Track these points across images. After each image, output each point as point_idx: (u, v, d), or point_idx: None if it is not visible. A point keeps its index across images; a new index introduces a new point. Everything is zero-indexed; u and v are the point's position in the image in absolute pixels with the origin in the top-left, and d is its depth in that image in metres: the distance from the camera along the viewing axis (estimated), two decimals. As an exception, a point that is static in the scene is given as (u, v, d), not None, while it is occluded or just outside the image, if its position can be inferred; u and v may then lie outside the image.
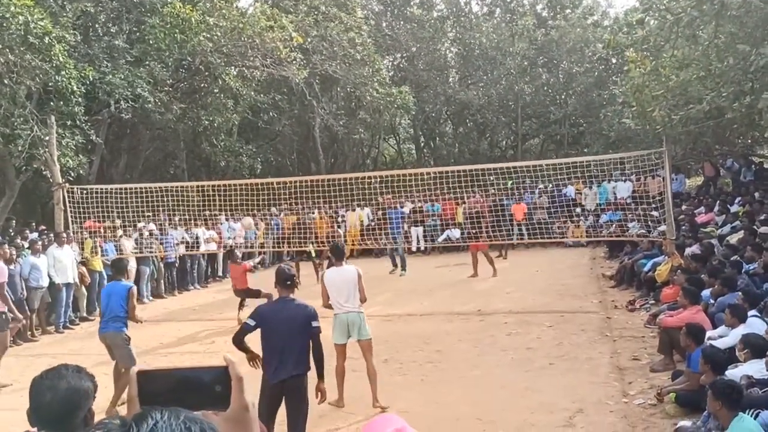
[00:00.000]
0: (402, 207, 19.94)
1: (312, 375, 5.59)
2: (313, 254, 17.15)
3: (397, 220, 18.05)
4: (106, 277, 14.58)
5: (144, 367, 1.22)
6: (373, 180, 19.54)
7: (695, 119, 13.56)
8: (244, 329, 5.51)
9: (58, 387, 2.36)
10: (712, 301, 8.77)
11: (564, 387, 7.59)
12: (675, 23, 11.96)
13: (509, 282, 14.94)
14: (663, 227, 13.23)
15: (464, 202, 19.28)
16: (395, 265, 17.32)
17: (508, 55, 31.17)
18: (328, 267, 7.78)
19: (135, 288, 8.03)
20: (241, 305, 11.88)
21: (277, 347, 5.37)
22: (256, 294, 11.45)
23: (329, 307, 7.33)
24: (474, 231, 15.95)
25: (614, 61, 29.60)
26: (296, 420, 5.39)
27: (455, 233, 19.48)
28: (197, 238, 17.46)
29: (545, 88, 32.69)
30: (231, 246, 13.84)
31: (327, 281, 7.34)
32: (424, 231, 20.18)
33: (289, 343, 5.37)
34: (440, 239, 19.64)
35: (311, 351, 5.50)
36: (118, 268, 8.26)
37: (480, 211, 16.87)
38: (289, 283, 5.64)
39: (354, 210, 20.08)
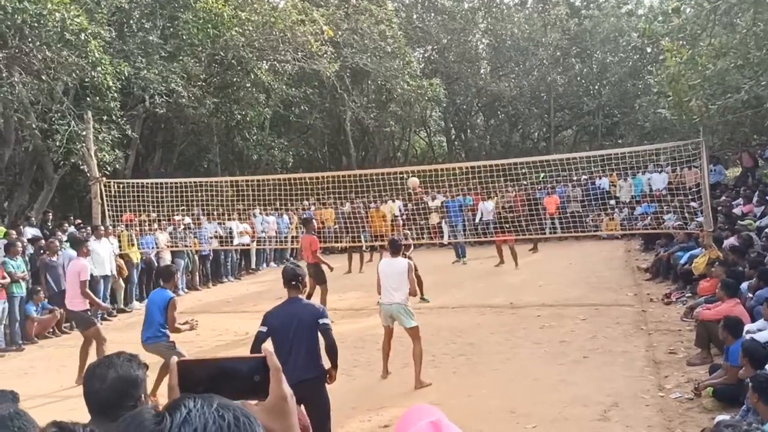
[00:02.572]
0: (434, 199, 19.98)
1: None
2: (364, 247, 17.43)
3: (455, 211, 18.22)
4: (141, 269, 14.92)
5: (183, 358, 1.24)
6: (406, 175, 19.52)
7: (733, 109, 13.28)
8: (259, 338, 5.30)
9: (107, 375, 2.41)
10: (750, 295, 8.60)
11: (598, 380, 7.52)
12: (712, 11, 11.71)
13: (542, 275, 14.82)
14: (700, 219, 13.00)
15: (496, 196, 19.15)
16: (458, 256, 17.67)
17: (540, 45, 30.87)
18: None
19: (176, 299, 7.64)
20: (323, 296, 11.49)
21: (284, 349, 5.19)
22: (322, 272, 11.40)
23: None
24: (503, 224, 15.90)
25: (649, 50, 29.13)
26: (318, 423, 5.06)
27: (489, 206, 19.09)
28: (231, 231, 17.65)
29: (578, 78, 32.32)
30: (310, 217, 13.59)
31: (380, 270, 8.02)
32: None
33: (296, 343, 5.23)
34: (477, 219, 19.37)
35: (325, 348, 5.34)
36: (164, 275, 7.97)
37: (513, 205, 16.84)
38: (294, 283, 5.46)
39: (386, 203, 20.08)
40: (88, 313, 9.11)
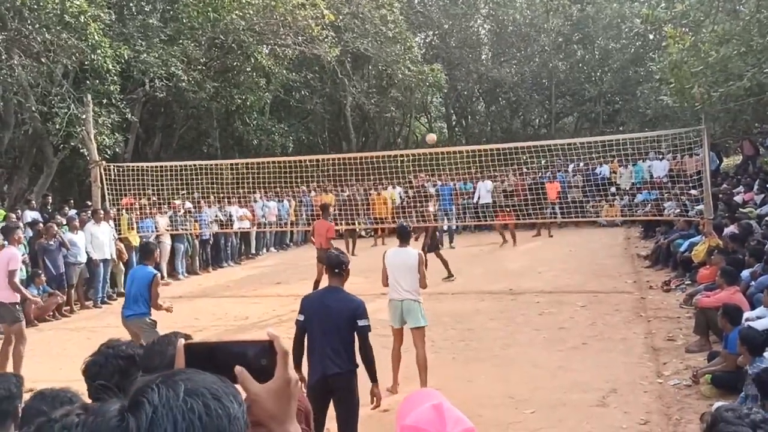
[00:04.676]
0: (443, 184, 19.97)
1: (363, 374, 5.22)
2: (362, 232, 17.44)
3: (449, 196, 18.20)
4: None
5: (191, 341, 1.23)
6: (405, 158, 19.47)
7: (735, 96, 13.22)
8: (299, 327, 5.04)
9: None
10: (752, 282, 8.61)
11: (597, 367, 7.54)
12: (716, -3, 11.64)
13: (541, 261, 14.84)
14: (701, 206, 13.00)
15: (496, 180, 19.12)
16: (450, 242, 17.59)
17: (542, 31, 30.70)
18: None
19: (159, 275, 7.58)
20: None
21: (317, 340, 4.94)
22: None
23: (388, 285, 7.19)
24: (504, 205, 15.90)
25: (652, 36, 28.93)
26: (345, 418, 5.00)
27: (488, 185, 19.06)
28: (230, 216, 17.65)
29: (580, 65, 32.17)
30: (327, 204, 13.54)
31: (387, 261, 7.14)
32: (456, 209, 20.09)
33: (330, 337, 4.93)
34: (475, 198, 19.39)
35: (360, 351, 5.04)
36: (144, 252, 7.89)
37: (515, 190, 16.88)
38: (337, 270, 5.12)
39: (386, 188, 20.04)
40: (17, 306, 8.59)
